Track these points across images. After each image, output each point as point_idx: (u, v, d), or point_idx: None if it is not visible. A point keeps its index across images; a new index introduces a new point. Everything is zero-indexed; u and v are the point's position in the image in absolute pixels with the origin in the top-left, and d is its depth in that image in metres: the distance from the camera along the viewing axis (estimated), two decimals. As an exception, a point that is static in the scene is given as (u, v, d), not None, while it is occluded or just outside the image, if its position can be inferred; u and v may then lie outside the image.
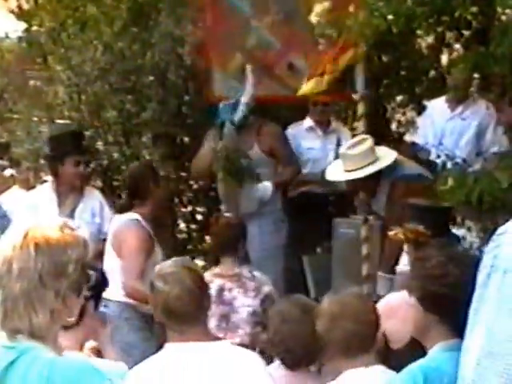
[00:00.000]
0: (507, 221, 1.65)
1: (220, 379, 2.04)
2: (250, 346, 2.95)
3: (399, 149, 4.03)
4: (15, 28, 6.14)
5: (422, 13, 3.34)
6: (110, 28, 5.05)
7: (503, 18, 3.64)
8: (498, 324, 1.52)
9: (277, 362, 2.54)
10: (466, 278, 1.77)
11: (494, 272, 1.56)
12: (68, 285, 1.57)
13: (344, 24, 3.61)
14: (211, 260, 4.73)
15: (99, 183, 4.90)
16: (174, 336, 2.13)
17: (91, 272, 1.67)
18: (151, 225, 3.53)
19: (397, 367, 2.03)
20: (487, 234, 3.09)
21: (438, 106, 4.55)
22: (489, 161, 3.81)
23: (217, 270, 3.37)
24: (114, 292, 3.03)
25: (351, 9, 3.66)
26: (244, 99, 4.19)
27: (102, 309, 2.31)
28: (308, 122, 4.81)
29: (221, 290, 3.25)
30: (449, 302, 1.87)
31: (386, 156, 3.57)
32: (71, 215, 3.73)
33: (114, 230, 3.50)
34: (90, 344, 2.25)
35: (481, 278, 1.60)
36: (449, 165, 3.56)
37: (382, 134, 4.45)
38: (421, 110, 4.56)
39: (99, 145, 5.04)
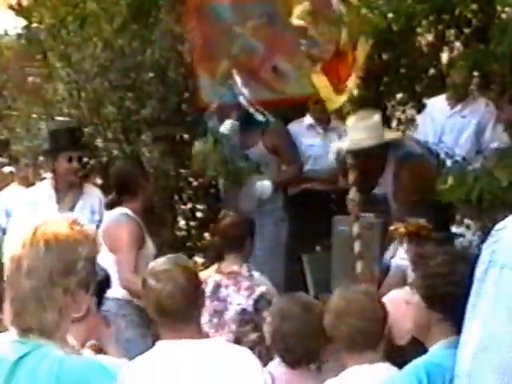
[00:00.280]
0: (505, 217, 1.65)
1: (213, 376, 2.03)
2: (234, 344, 2.94)
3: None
4: (15, 25, 6.13)
5: (422, 10, 3.33)
6: (109, 25, 5.05)
7: (503, 16, 3.64)
8: (495, 319, 1.53)
9: (277, 360, 2.54)
10: (471, 275, 1.78)
11: (491, 267, 1.56)
12: (77, 282, 1.57)
13: (332, 23, 3.63)
14: (211, 256, 4.75)
15: (99, 180, 4.90)
16: (167, 333, 2.12)
17: (99, 268, 1.67)
18: (143, 219, 3.54)
19: (401, 364, 2.03)
20: (486, 231, 3.10)
21: (437, 104, 4.56)
22: (488, 158, 3.81)
23: (218, 266, 3.37)
24: (111, 289, 3.03)
25: (332, 9, 3.68)
26: (244, 101, 4.20)
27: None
28: (308, 119, 4.81)
29: (217, 286, 3.26)
30: (454, 300, 1.87)
31: (392, 134, 3.61)
32: (70, 212, 3.73)
33: (104, 225, 3.51)
34: (90, 342, 2.24)
35: (479, 272, 1.60)
36: (448, 163, 3.56)
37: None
38: (420, 108, 4.56)
39: (99, 142, 5.03)
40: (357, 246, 3.71)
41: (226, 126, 4.24)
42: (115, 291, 3.23)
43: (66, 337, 1.61)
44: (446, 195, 3.07)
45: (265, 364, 2.48)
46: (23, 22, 5.87)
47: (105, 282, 2.27)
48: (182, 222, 5.31)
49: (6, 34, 6.65)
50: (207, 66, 4.56)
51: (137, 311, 3.37)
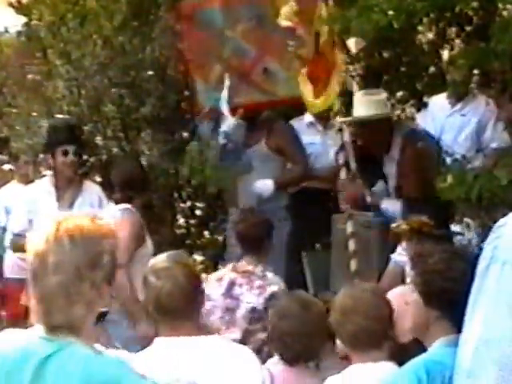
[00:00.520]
0: (505, 215, 1.65)
1: (211, 373, 2.03)
2: (241, 341, 2.95)
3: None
4: (15, 22, 6.13)
5: (423, 8, 3.32)
6: (109, 22, 5.06)
7: (504, 13, 3.63)
8: (496, 314, 1.52)
9: (276, 358, 2.54)
10: (469, 272, 1.77)
11: (493, 263, 1.56)
12: (103, 275, 1.57)
13: (318, 24, 3.64)
14: (211, 255, 4.76)
15: (98, 178, 4.89)
16: (165, 330, 2.13)
17: None
18: (146, 217, 3.54)
19: (404, 362, 2.02)
20: (486, 230, 3.09)
21: (438, 102, 4.55)
22: (488, 157, 3.82)
23: (234, 264, 3.39)
24: None
25: (318, 9, 3.69)
26: (225, 105, 4.22)
27: None
28: (308, 117, 4.80)
29: (232, 283, 3.29)
30: (452, 297, 1.87)
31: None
32: (70, 209, 3.72)
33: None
34: None
35: (480, 268, 1.60)
36: (448, 160, 3.55)
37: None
38: (421, 106, 4.55)
39: (98, 140, 5.03)
40: (351, 245, 3.72)
41: (229, 124, 4.24)
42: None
43: (91, 331, 1.60)
44: (446, 194, 3.07)
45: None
46: (23, 20, 5.87)
47: None
48: (181, 220, 5.31)
49: (6, 31, 6.66)
50: (201, 71, 4.59)
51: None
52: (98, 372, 1.52)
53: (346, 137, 3.95)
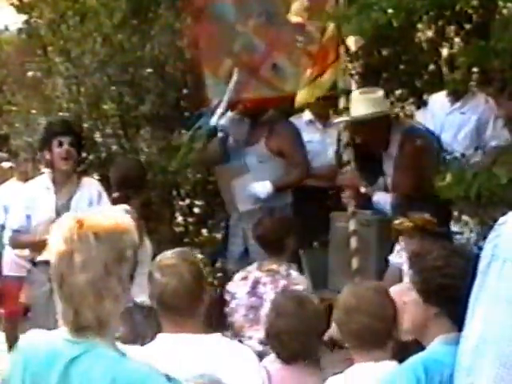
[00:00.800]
0: (504, 214, 1.64)
1: (210, 371, 2.03)
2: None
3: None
4: (15, 20, 6.14)
5: (423, 6, 3.31)
6: (109, 20, 5.06)
7: (504, 11, 3.62)
8: (496, 312, 1.53)
9: (272, 356, 2.53)
10: (468, 269, 1.77)
11: (494, 261, 1.57)
12: (127, 270, 1.58)
13: (323, 20, 3.63)
14: (209, 253, 4.75)
15: (97, 176, 4.89)
16: (168, 326, 2.13)
17: None
18: (144, 215, 3.52)
19: (404, 361, 2.01)
20: (484, 228, 3.09)
21: (438, 100, 4.55)
22: (487, 155, 3.81)
23: (260, 263, 3.40)
24: None
25: (328, 6, 3.68)
26: (225, 98, 4.21)
27: None
28: (307, 115, 4.79)
29: (256, 282, 3.31)
30: (450, 294, 1.87)
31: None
32: (68, 204, 3.72)
33: None
34: None
35: (482, 266, 1.61)
36: (447, 159, 3.55)
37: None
38: (420, 104, 4.55)
39: (97, 137, 5.03)
40: (353, 242, 3.72)
41: (228, 119, 4.23)
42: None
43: (116, 329, 1.61)
44: (445, 192, 3.06)
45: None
46: (23, 17, 5.88)
47: None
48: (179, 218, 5.30)
49: (7, 29, 6.67)
50: (211, 64, 4.59)
51: (138, 309, 3.35)
52: (123, 376, 1.52)
53: (346, 135, 3.94)
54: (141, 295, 2.70)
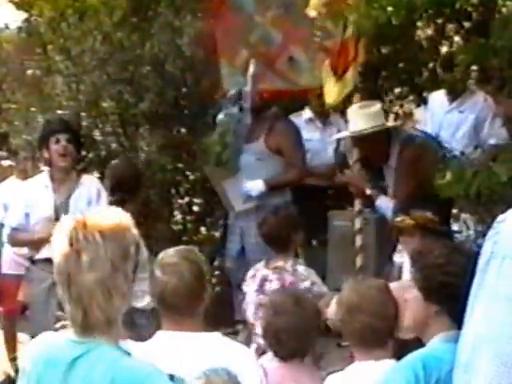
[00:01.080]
0: (503, 212, 1.64)
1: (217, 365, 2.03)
2: None
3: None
4: (15, 18, 6.14)
5: (422, 4, 3.31)
6: (109, 18, 5.06)
7: (504, 10, 3.61)
8: (495, 309, 1.52)
9: (270, 354, 2.53)
10: (469, 267, 1.76)
11: (493, 258, 1.56)
12: (132, 267, 1.59)
13: (342, 16, 3.60)
14: (208, 251, 4.74)
15: (97, 174, 4.88)
16: (168, 324, 2.13)
17: None
18: (143, 213, 3.49)
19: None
20: (484, 226, 3.09)
21: (438, 99, 4.55)
22: (485, 153, 3.80)
23: (267, 260, 3.40)
24: None
25: (349, 1, 3.65)
26: (247, 90, 4.19)
27: None
28: (308, 113, 4.79)
29: (264, 280, 3.31)
30: (451, 291, 1.86)
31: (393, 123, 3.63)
32: (66, 202, 3.71)
33: None
34: None
35: (481, 263, 1.60)
36: (447, 157, 3.54)
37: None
38: (420, 102, 4.54)
39: (97, 135, 5.03)
40: (358, 240, 3.71)
41: (224, 113, 4.22)
42: None
43: (121, 325, 1.61)
44: (444, 191, 3.05)
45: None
46: (23, 16, 5.87)
47: None
48: (178, 216, 5.30)
49: (7, 27, 6.65)
50: (228, 54, 4.60)
51: (139, 313, 3.33)
52: (122, 375, 1.52)
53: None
54: (142, 299, 2.70)
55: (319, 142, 4.73)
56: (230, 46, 4.59)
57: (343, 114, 4.77)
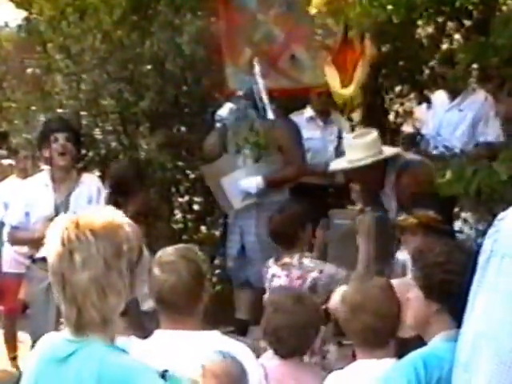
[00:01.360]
0: (503, 210, 1.63)
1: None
2: None
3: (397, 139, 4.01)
4: (15, 16, 6.13)
5: (422, 3, 3.31)
6: (109, 17, 5.05)
7: (504, 8, 3.61)
8: (494, 308, 1.53)
9: (270, 352, 2.53)
10: (469, 265, 1.76)
11: (493, 256, 1.57)
12: (126, 264, 1.59)
13: (343, 14, 3.59)
14: (207, 250, 4.74)
15: (97, 172, 4.88)
16: (166, 323, 2.13)
17: None
18: (143, 212, 3.48)
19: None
20: (485, 225, 3.09)
21: (439, 98, 4.55)
22: (477, 150, 3.81)
23: (276, 257, 3.42)
24: None
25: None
26: (260, 92, 4.19)
27: None
28: (309, 111, 4.78)
29: (273, 276, 3.35)
30: (452, 289, 1.86)
31: (390, 150, 3.57)
32: (67, 201, 3.71)
33: None
34: None
35: (481, 261, 1.61)
36: (447, 156, 3.54)
37: (379, 124, 4.42)
38: (421, 100, 4.54)
39: (97, 134, 5.02)
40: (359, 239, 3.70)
41: (225, 110, 4.21)
42: None
43: (118, 324, 1.62)
44: (444, 189, 3.05)
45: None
46: (23, 14, 5.87)
47: None
48: (178, 215, 5.29)
49: (7, 25, 6.65)
50: (232, 53, 4.61)
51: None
52: (108, 372, 1.53)
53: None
54: (146, 302, 2.73)
55: (320, 140, 4.73)
56: (234, 45, 4.61)
57: (343, 112, 4.79)
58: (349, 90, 4.03)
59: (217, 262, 4.99)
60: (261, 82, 4.21)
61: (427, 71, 4.53)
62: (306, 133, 4.65)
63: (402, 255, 3.32)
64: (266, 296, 3.25)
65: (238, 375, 1.98)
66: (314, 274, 3.24)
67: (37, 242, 3.53)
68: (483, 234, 1.67)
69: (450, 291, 1.87)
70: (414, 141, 4.41)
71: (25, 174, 5.26)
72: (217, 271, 4.99)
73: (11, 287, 4.78)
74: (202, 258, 2.17)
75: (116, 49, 4.98)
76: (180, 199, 5.30)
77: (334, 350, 3.18)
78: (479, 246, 1.63)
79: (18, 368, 4.51)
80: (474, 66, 3.83)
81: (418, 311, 1.95)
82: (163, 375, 1.69)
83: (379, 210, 3.68)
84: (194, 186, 5.19)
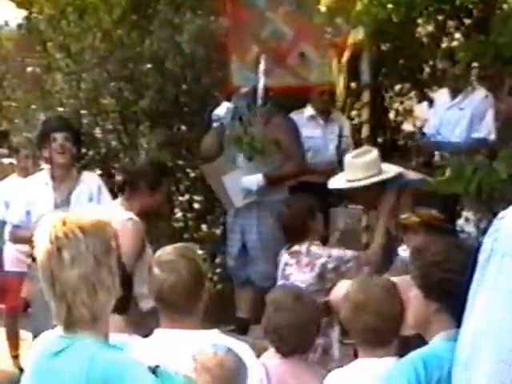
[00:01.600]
0: (504, 209, 1.64)
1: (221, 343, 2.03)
2: None
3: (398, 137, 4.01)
4: (15, 15, 6.13)
5: (422, 1, 3.31)
6: (109, 16, 5.05)
7: (504, 6, 3.61)
8: (495, 307, 1.52)
9: (271, 351, 2.53)
10: (468, 264, 1.76)
11: (493, 255, 1.56)
12: (115, 260, 1.60)
13: (349, 11, 3.59)
14: (207, 248, 4.74)
15: (98, 171, 4.88)
16: (166, 322, 2.14)
17: None
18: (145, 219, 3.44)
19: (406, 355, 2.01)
20: (485, 223, 3.09)
21: (441, 96, 4.55)
22: (467, 145, 3.82)
23: (289, 246, 3.48)
24: None
25: None
26: (259, 89, 4.19)
27: None
28: (309, 110, 4.78)
29: (285, 264, 3.42)
30: (451, 288, 1.86)
31: (390, 170, 3.53)
32: (67, 199, 3.71)
33: None
34: None
35: (481, 260, 1.60)
36: (446, 154, 3.54)
37: (379, 122, 4.43)
38: (421, 98, 4.54)
39: (97, 133, 5.03)
40: (364, 238, 3.71)
41: (223, 110, 4.21)
42: None
43: (108, 321, 1.62)
44: (444, 188, 3.05)
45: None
46: (23, 13, 5.86)
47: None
48: (179, 214, 5.29)
49: (7, 24, 6.64)
50: (239, 50, 4.61)
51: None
52: (97, 368, 1.53)
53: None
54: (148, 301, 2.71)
55: (321, 139, 4.73)
56: (240, 42, 4.61)
57: (344, 110, 4.80)
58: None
59: (218, 260, 4.99)
60: (263, 79, 4.22)
61: (427, 69, 4.52)
62: (307, 131, 4.65)
63: (405, 253, 3.32)
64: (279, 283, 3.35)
65: (231, 368, 1.98)
66: (323, 260, 3.30)
67: (37, 241, 3.54)
68: (485, 232, 1.67)
69: (448, 290, 1.86)
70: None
71: (25, 172, 5.26)
72: (218, 270, 5.00)
73: (13, 286, 4.78)
74: (202, 257, 2.18)
75: (116, 48, 4.98)
76: (180, 198, 5.30)
77: (335, 348, 3.21)
78: (480, 244, 1.63)
79: (19, 366, 4.52)
80: (475, 64, 3.82)
81: (418, 311, 1.95)
82: (154, 371, 1.70)
83: None
84: (195, 184, 5.18)
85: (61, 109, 5.05)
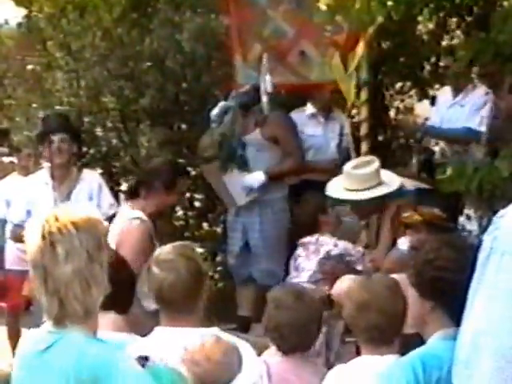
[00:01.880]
0: (504, 207, 1.64)
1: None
2: None
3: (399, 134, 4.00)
4: (15, 14, 6.13)
5: (422, -1, 3.30)
6: (109, 14, 5.05)
7: (505, 4, 3.60)
8: (494, 305, 1.53)
9: (272, 349, 2.54)
10: (461, 261, 1.76)
11: (493, 254, 1.57)
12: (106, 256, 1.61)
13: (349, 10, 3.58)
14: (208, 247, 4.76)
15: (99, 170, 4.89)
16: (166, 320, 2.14)
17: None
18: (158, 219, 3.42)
19: (405, 353, 2.01)
20: (487, 222, 3.08)
21: (444, 94, 4.55)
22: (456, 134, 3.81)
23: (302, 239, 3.58)
24: None
25: None
26: (266, 88, 4.19)
27: None
28: (310, 108, 4.77)
29: (297, 256, 3.56)
30: (443, 286, 1.86)
31: (391, 181, 3.49)
32: (68, 198, 3.72)
33: (118, 227, 3.23)
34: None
35: (481, 259, 1.60)
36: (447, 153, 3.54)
37: (380, 120, 4.43)
38: (422, 96, 4.54)
39: (98, 131, 5.03)
40: (363, 236, 3.71)
41: (216, 110, 4.21)
42: None
43: (97, 315, 1.63)
44: (445, 186, 3.05)
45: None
46: (23, 12, 5.87)
47: None
48: (180, 212, 5.30)
49: (7, 23, 6.65)
50: (241, 48, 4.62)
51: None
52: (86, 362, 1.54)
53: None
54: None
55: (322, 137, 4.72)
56: (243, 41, 4.61)
57: (344, 109, 4.79)
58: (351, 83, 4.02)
59: (219, 258, 4.99)
60: (264, 78, 4.22)
61: (428, 67, 4.51)
62: (308, 130, 4.65)
63: (403, 245, 3.31)
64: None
65: (219, 361, 1.98)
66: (327, 248, 3.41)
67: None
68: (484, 230, 1.67)
69: (442, 288, 1.86)
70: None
71: (26, 171, 5.26)
72: (219, 268, 5.00)
73: (15, 284, 4.78)
74: (201, 256, 2.18)
75: (116, 46, 4.99)
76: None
77: (336, 346, 3.22)
78: (481, 241, 1.63)
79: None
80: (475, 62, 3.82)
81: (414, 308, 1.95)
82: (143, 364, 1.71)
83: None
84: (195, 183, 5.18)
85: (61, 107, 5.04)
